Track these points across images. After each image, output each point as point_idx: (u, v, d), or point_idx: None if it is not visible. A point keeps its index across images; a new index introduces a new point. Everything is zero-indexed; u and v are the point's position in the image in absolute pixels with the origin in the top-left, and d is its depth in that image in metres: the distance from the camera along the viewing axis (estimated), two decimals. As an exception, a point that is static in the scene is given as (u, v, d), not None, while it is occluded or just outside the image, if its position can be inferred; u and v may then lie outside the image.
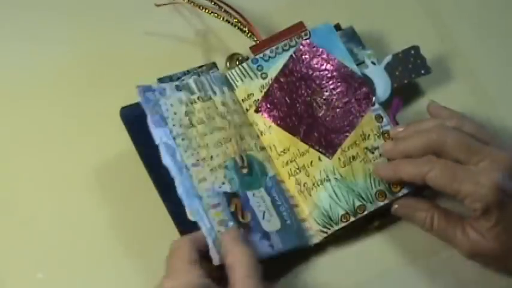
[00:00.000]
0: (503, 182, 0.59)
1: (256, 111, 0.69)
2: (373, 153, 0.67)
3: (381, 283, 0.67)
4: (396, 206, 0.66)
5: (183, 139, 0.64)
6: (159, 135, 0.63)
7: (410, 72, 0.71)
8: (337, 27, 0.72)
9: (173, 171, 0.62)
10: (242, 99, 0.69)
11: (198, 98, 0.67)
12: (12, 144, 0.68)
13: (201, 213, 0.62)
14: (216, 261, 0.60)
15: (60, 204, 0.66)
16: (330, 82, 0.69)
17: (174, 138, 0.64)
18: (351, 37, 0.72)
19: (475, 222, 0.61)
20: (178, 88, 0.66)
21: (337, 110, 0.68)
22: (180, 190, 0.62)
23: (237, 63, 0.72)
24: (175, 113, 0.65)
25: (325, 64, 0.70)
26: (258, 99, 0.69)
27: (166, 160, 0.62)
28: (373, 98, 0.69)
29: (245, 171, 0.66)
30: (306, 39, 0.71)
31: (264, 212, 0.65)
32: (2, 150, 0.68)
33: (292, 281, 0.66)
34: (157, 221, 0.65)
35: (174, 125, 0.64)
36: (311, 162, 0.67)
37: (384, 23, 0.75)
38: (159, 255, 0.61)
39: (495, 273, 0.65)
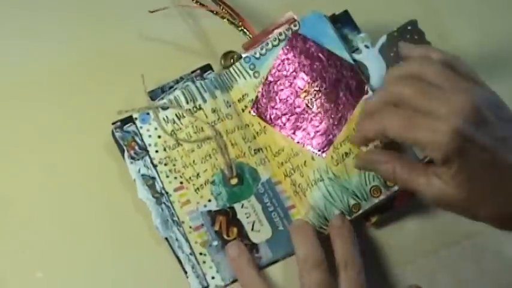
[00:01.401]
0: (463, 127, 0.53)
1: (250, 111, 0.68)
2: (366, 146, 0.63)
3: (381, 282, 0.66)
4: (357, 160, 0.63)
5: (165, 164, 0.66)
6: (135, 169, 0.65)
7: (406, 51, 0.65)
8: (333, 17, 0.69)
9: (150, 205, 0.64)
10: (238, 100, 0.69)
11: (186, 112, 0.67)
12: (11, 143, 0.68)
13: (181, 241, 0.64)
14: (195, 286, 0.63)
15: (59, 203, 0.66)
16: (321, 75, 0.66)
17: (155, 166, 0.65)
18: (346, 21, 0.68)
19: (438, 170, 0.56)
20: (164, 107, 0.67)
21: (328, 105, 0.65)
22: (157, 222, 0.64)
23: (232, 61, 0.71)
24: (159, 137, 0.66)
25: (315, 56, 0.67)
26: (253, 99, 0.68)
27: (142, 194, 0.65)
28: (366, 87, 0.65)
29: (234, 182, 0.66)
30: (295, 31, 0.67)
31: (253, 223, 0.65)
32: (1, 149, 0.68)
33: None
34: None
35: (157, 151, 0.66)
36: (304, 162, 0.66)
37: (383, 23, 0.70)
38: (159, 254, 0.64)
39: (495, 273, 0.62)
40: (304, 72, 0.67)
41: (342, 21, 0.68)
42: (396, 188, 0.63)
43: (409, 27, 0.66)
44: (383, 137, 0.58)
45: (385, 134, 0.57)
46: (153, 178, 0.65)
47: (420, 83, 0.56)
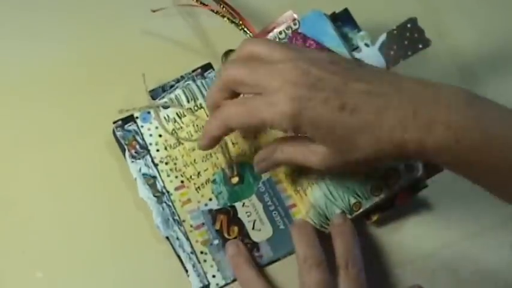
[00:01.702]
0: (298, 92, 0.54)
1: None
2: None
3: (381, 282, 0.66)
4: (255, 168, 0.63)
5: (166, 163, 0.66)
6: (136, 168, 0.65)
7: (406, 49, 0.65)
8: (333, 16, 0.69)
9: (151, 204, 0.65)
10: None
11: (187, 110, 0.67)
12: (11, 143, 0.68)
13: (182, 240, 0.64)
14: (197, 285, 0.63)
15: (59, 203, 0.66)
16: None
17: (156, 165, 0.65)
18: (346, 20, 0.68)
19: (307, 139, 0.58)
20: (165, 106, 0.67)
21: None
22: (158, 221, 0.64)
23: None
24: (160, 136, 0.67)
25: (314, 54, 0.66)
26: (253, 100, 0.68)
27: (143, 193, 0.65)
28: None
29: (235, 181, 0.66)
30: (295, 29, 0.67)
31: (254, 221, 0.65)
32: (1, 149, 0.68)
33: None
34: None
35: (157, 150, 0.66)
36: (305, 161, 0.66)
37: (383, 21, 0.70)
38: (160, 253, 0.65)
39: (495, 273, 0.63)
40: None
41: (342, 20, 0.68)
42: (396, 186, 0.63)
43: (408, 25, 0.66)
44: (229, 131, 0.59)
45: (229, 127, 0.58)
46: (154, 177, 0.65)
47: (251, 62, 0.57)
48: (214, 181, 0.66)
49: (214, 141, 0.60)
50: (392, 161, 0.60)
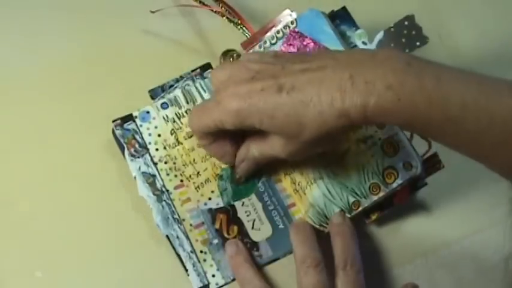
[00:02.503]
0: (238, 89, 0.57)
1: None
2: (365, 143, 0.64)
3: (380, 282, 0.66)
4: (238, 171, 0.65)
5: (166, 162, 0.66)
6: (135, 167, 0.66)
7: (403, 47, 0.65)
8: (332, 14, 0.69)
9: (150, 202, 0.65)
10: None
11: (186, 112, 0.67)
12: (11, 142, 0.68)
13: (182, 239, 0.64)
14: (196, 284, 0.63)
15: (59, 203, 0.66)
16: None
17: (155, 164, 0.65)
18: (344, 18, 0.68)
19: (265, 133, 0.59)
20: (164, 106, 0.67)
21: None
22: (158, 219, 0.64)
23: (231, 59, 0.71)
24: (159, 135, 0.67)
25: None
26: (252, 98, 0.68)
27: (142, 191, 0.65)
28: (362, 83, 0.64)
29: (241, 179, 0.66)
30: (293, 28, 0.68)
31: (253, 221, 0.65)
32: (1, 148, 0.68)
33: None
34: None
35: (157, 149, 0.66)
36: (304, 160, 0.66)
37: (382, 20, 0.70)
38: (160, 252, 0.65)
39: (494, 272, 0.63)
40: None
41: (341, 18, 0.68)
42: (395, 185, 0.63)
43: (406, 23, 0.66)
44: (201, 134, 0.63)
45: (194, 131, 0.63)
46: (154, 176, 0.65)
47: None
48: (221, 177, 0.66)
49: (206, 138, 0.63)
50: (342, 132, 0.59)
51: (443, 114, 0.52)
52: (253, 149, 0.62)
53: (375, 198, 0.63)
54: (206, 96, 0.68)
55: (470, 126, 0.52)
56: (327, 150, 0.62)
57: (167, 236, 0.64)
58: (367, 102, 0.52)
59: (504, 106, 0.51)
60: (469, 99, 0.51)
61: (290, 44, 0.67)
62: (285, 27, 0.68)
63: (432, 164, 0.64)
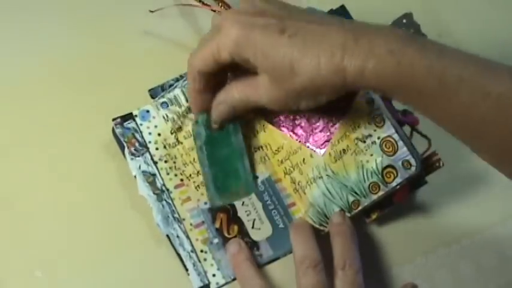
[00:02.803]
0: (241, 19, 0.57)
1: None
2: (364, 142, 0.64)
3: (380, 281, 0.66)
4: (214, 114, 0.63)
5: (166, 161, 0.66)
6: (135, 166, 0.66)
7: (402, 45, 0.65)
8: (330, 12, 0.69)
9: (151, 201, 0.65)
10: (238, 98, 0.69)
11: (186, 111, 0.67)
12: (11, 142, 0.68)
13: (182, 238, 0.64)
14: (197, 284, 0.63)
15: (58, 202, 0.66)
16: (317, 72, 0.66)
17: (155, 163, 0.66)
18: (343, 16, 0.68)
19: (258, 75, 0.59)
20: (163, 105, 0.67)
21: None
22: (158, 218, 0.64)
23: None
24: (159, 134, 0.67)
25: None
26: (251, 97, 0.69)
27: (143, 190, 0.65)
28: (362, 82, 0.64)
29: (216, 126, 0.65)
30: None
31: (254, 221, 0.65)
32: (0, 147, 0.68)
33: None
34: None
35: (157, 148, 0.66)
36: (303, 159, 0.66)
37: (380, 18, 0.69)
38: (160, 252, 0.65)
39: (494, 272, 0.63)
40: (302, 69, 0.67)
41: (339, 16, 0.68)
42: (394, 184, 0.63)
43: (404, 21, 0.66)
44: (201, 76, 0.61)
45: (196, 71, 0.61)
46: (154, 175, 0.65)
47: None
48: (196, 122, 0.65)
49: (200, 100, 0.63)
50: (332, 92, 0.57)
51: (439, 84, 0.53)
52: (235, 92, 0.61)
53: (375, 197, 0.63)
54: (206, 95, 0.68)
55: (464, 98, 0.52)
56: (304, 108, 0.60)
57: (167, 236, 0.64)
58: (366, 63, 0.53)
59: (501, 83, 0.52)
60: (467, 73, 0.52)
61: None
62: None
63: (432, 162, 0.64)
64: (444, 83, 0.52)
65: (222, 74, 0.62)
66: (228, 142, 0.65)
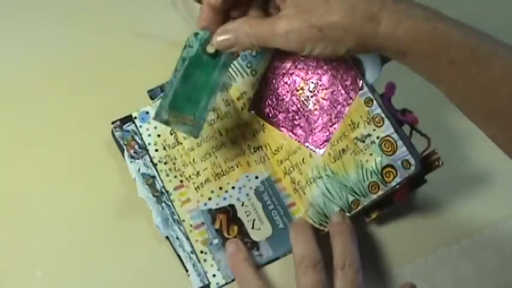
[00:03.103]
0: None
1: (249, 109, 0.68)
2: (363, 142, 0.63)
3: (380, 281, 0.66)
4: (212, 43, 0.61)
5: (165, 162, 0.66)
6: (135, 168, 0.66)
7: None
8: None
9: (150, 204, 0.65)
10: (237, 98, 0.69)
11: None
12: (11, 142, 0.68)
13: (181, 239, 0.64)
14: (197, 284, 0.63)
15: (59, 202, 0.66)
16: (316, 72, 0.66)
17: (155, 165, 0.66)
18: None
19: (282, 10, 0.58)
20: (164, 106, 0.67)
21: (324, 101, 0.65)
22: (158, 220, 0.64)
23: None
24: (158, 135, 0.67)
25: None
26: (251, 97, 0.68)
27: (142, 193, 0.65)
28: (361, 82, 0.64)
29: (211, 50, 0.62)
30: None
31: (253, 221, 0.65)
32: (1, 148, 0.68)
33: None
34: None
35: (156, 150, 0.66)
36: (303, 159, 0.66)
37: None
38: (160, 253, 0.65)
39: (493, 272, 0.63)
40: (299, 69, 0.67)
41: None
42: (394, 183, 0.62)
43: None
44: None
45: None
46: (153, 177, 0.66)
47: None
48: (195, 34, 0.62)
49: (209, 16, 0.61)
50: (354, 43, 0.56)
51: (473, 55, 0.54)
52: (247, 25, 0.59)
53: (374, 197, 0.63)
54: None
55: (496, 72, 0.54)
56: (316, 54, 0.58)
57: (167, 237, 0.64)
58: (403, 20, 0.54)
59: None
60: (500, 49, 0.55)
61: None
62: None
63: (431, 161, 0.64)
64: (478, 55, 0.53)
65: (242, 5, 0.61)
66: (209, 72, 0.62)
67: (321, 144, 0.65)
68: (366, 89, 0.64)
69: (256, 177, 0.67)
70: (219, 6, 0.61)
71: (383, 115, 0.63)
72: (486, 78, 0.54)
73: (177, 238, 0.64)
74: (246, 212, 0.66)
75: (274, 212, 0.66)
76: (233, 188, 0.66)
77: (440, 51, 0.54)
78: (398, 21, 0.54)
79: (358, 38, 0.55)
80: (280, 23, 0.57)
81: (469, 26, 0.55)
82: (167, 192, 0.65)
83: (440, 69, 0.55)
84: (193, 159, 0.67)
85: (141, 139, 0.66)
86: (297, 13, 0.56)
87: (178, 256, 0.64)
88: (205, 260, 0.64)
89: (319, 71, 0.66)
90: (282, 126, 0.67)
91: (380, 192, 0.63)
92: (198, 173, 0.66)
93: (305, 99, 0.66)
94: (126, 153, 0.66)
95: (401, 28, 0.54)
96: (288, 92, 0.67)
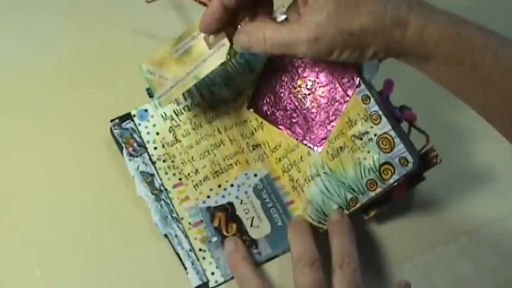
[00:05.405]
0: None
1: (247, 107, 0.69)
2: (361, 139, 0.63)
3: (379, 279, 0.66)
4: (235, 42, 0.60)
5: (164, 160, 0.66)
6: (134, 166, 0.66)
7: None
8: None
9: (149, 202, 0.65)
10: (235, 97, 0.69)
11: (184, 108, 0.67)
12: (10, 141, 0.68)
13: (180, 237, 0.64)
14: (195, 282, 0.63)
15: (58, 200, 0.66)
16: (313, 69, 0.66)
17: (154, 163, 0.66)
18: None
19: (303, 13, 0.57)
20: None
21: (321, 99, 0.65)
22: (157, 218, 0.64)
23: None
24: (157, 133, 0.67)
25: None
26: (249, 96, 0.69)
27: (141, 191, 0.65)
28: (358, 79, 0.64)
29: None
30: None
31: (252, 219, 0.65)
32: (0, 147, 0.68)
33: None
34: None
35: (155, 148, 0.66)
36: (301, 157, 0.66)
37: None
38: (159, 251, 0.65)
39: (492, 270, 0.63)
40: (296, 67, 0.67)
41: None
42: (391, 181, 0.62)
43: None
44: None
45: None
46: (152, 175, 0.66)
47: None
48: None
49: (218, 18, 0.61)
50: (382, 46, 0.56)
51: (495, 60, 0.54)
52: (267, 31, 0.58)
53: (372, 194, 0.63)
54: (205, 91, 0.68)
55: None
56: (342, 59, 0.57)
57: (166, 235, 0.64)
58: (429, 24, 0.54)
59: None
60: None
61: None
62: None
63: (429, 158, 0.63)
64: (499, 59, 0.54)
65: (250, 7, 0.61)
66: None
67: (318, 142, 0.65)
68: (363, 86, 0.64)
69: (255, 175, 0.67)
70: (231, 5, 0.60)
71: (380, 112, 0.63)
72: (507, 85, 0.54)
73: (176, 236, 0.64)
74: (244, 210, 0.66)
75: (273, 210, 0.66)
76: (232, 185, 0.66)
77: (463, 56, 0.54)
78: (424, 26, 0.54)
79: (387, 43, 0.55)
80: (306, 29, 0.56)
81: (490, 30, 0.55)
82: (166, 190, 0.65)
83: (462, 76, 0.55)
84: (192, 157, 0.67)
85: (140, 137, 0.67)
86: (324, 18, 0.55)
87: (177, 254, 0.64)
88: (204, 258, 0.64)
89: (317, 69, 0.65)
90: (280, 124, 0.67)
91: (378, 190, 0.63)
92: (196, 170, 0.66)
93: (303, 97, 0.66)
94: (124, 151, 0.66)
95: (427, 33, 0.54)
96: (285, 90, 0.67)
